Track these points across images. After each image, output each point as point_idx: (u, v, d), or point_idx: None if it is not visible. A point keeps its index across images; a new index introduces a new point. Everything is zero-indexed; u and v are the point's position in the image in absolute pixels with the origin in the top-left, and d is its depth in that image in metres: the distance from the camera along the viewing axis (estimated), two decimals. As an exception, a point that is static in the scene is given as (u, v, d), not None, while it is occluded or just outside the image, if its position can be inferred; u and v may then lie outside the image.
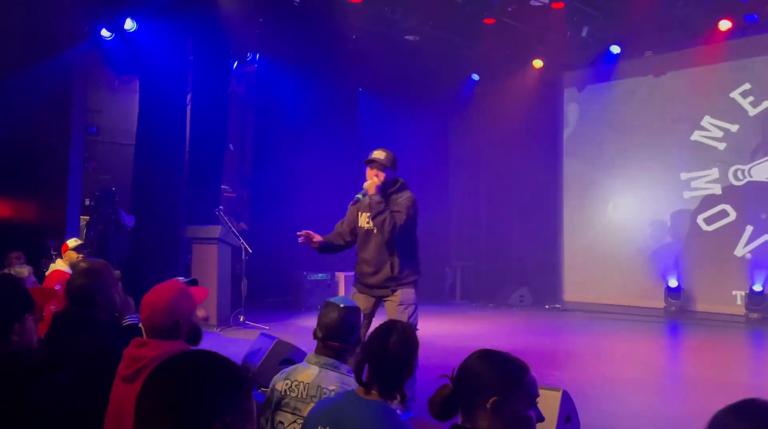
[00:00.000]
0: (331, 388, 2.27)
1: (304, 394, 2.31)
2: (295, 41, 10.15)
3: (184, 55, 9.44)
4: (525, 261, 11.34)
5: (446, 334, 8.03)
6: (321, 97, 11.02)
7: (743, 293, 9.44)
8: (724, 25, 9.20)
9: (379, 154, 4.27)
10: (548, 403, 3.48)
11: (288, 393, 2.32)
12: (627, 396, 5.19)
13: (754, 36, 9.44)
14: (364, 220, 4.35)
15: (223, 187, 10.39)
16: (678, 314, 9.81)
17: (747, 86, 9.73)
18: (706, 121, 10.11)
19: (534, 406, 1.74)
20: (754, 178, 9.63)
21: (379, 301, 4.37)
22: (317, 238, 4.32)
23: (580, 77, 11.60)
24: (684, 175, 10.24)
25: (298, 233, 4.27)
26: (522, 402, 1.70)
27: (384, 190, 4.23)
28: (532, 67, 11.25)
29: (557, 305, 10.88)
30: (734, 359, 7.21)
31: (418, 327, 3.99)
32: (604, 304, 10.59)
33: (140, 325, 2.35)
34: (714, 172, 9.98)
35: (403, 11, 9.43)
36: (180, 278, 2.37)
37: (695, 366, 6.73)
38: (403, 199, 4.25)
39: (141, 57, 9.04)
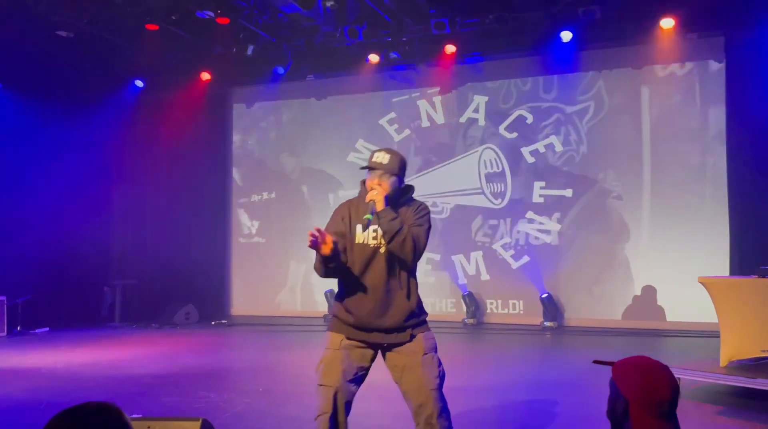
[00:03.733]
0: None
1: None
2: None
3: None
4: (191, 277, 11.02)
5: (96, 362, 7.32)
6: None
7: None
8: (374, 58, 10.22)
9: (381, 157, 3.18)
10: (185, 434, 3.35)
11: None
12: (277, 410, 5.30)
13: (398, 71, 10.68)
14: (363, 235, 3.15)
15: None
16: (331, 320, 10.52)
17: (393, 115, 10.97)
18: (360, 143, 11.11)
19: None
20: (398, 197, 10.86)
21: (376, 352, 3.18)
22: (330, 238, 3.00)
23: (248, 94, 11.79)
24: (341, 193, 11.08)
25: (311, 232, 2.95)
26: None
27: (393, 201, 3.16)
28: (200, 79, 11.06)
29: (224, 321, 10.80)
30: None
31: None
32: (272, 316, 10.89)
33: None
34: (366, 191, 10.98)
35: (50, 3, 8.42)
36: None
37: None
38: (420, 209, 3.21)
39: None
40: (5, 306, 9.20)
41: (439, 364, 3.14)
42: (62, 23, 9.10)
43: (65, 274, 10.17)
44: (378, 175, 3.17)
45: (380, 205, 3.09)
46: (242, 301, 11.60)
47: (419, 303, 3.21)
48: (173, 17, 9.02)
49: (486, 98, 10.45)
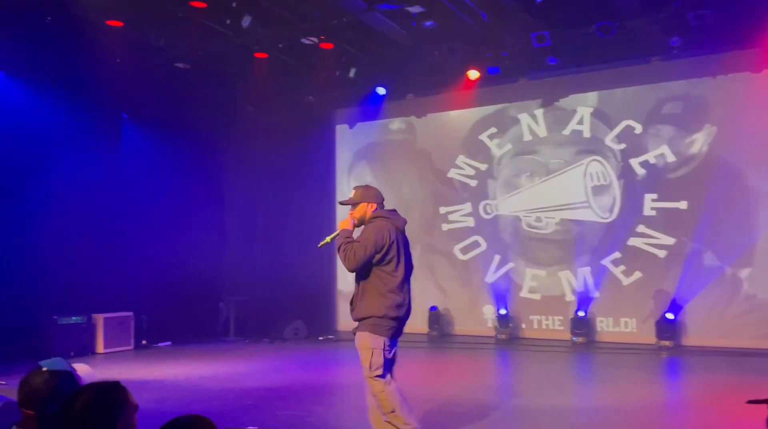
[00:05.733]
0: None
1: None
2: (49, 61, 9.22)
3: None
4: (299, 293, 11.40)
5: (214, 375, 7.71)
6: (77, 121, 10.09)
7: (493, 316, 10.43)
8: (473, 74, 10.22)
9: (351, 194, 4.36)
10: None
11: None
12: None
13: (498, 86, 10.62)
14: None
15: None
16: (439, 338, 10.54)
17: (493, 130, 10.90)
18: (461, 159, 11.11)
19: None
20: (500, 212, 10.76)
21: None
22: None
23: (350, 115, 12.12)
24: (443, 209, 11.12)
25: None
26: None
27: (361, 223, 4.30)
28: (306, 102, 11.48)
29: (330, 336, 11.06)
30: (487, 375, 7.87)
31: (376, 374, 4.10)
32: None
33: None
34: (467, 207, 10.97)
35: (169, 38, 9.06)
36: None
37: (452, 386, 7.18)
38: (366, 229, 4.19)
39: None
40: (132, 321, 9.89)
41: (370, 358, 4.11)
42: (180, 56, 9.77)
43: (185, 292, 10.79)
44: (350, 207, 4.34)
45: (341, 227, 4.23)
46: (348, 317, 11.80)
47: (370, 305, 4.12)
48: (280, 45, 9.45)
49: (591, 109, 10.17)
